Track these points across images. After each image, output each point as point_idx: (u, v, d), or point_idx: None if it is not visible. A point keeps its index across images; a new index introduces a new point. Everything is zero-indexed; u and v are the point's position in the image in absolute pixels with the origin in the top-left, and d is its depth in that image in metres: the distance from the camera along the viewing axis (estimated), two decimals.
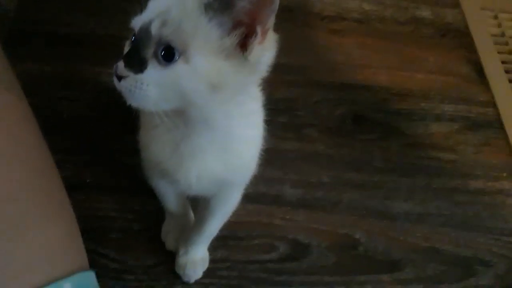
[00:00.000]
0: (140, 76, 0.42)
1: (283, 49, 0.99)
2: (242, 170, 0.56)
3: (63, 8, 0.95)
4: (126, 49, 0.45)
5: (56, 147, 0.57)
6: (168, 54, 0.42)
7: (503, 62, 1.02)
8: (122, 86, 0.43)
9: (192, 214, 0.71)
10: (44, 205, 0.50)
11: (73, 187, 0.58)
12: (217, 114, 0.47)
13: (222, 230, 0.66)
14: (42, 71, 0.87)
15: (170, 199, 0.66)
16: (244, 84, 0.47)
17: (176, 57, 0.42)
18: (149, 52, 0.42)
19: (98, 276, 0.55)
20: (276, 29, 1.08)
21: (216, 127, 0.49)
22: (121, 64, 0.43)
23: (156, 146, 0.53)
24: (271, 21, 0.44)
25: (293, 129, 0.85)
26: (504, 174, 0.86)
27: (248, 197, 0.76)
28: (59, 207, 0.52)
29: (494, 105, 0.95)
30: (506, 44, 1.05)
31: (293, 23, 0.99)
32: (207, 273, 0.69)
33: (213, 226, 0.65)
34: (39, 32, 0.91)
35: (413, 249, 0.76)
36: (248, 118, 0.52)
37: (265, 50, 0.44)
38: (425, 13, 1.06)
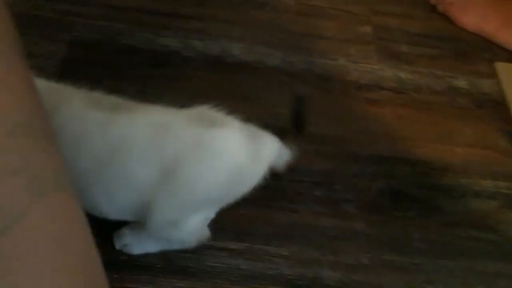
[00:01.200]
0: None
1: (319, 119, 0.98)
2: None
3: None
4: None
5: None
6: None
7: None
8: None
9: None
10: None
11: (106, 265, 0.55)
12: None
13: None
14: None
15: None
16: None
17: None
18: None
19: None
20: (313, 99, 1.06)
21: None
22: None
23: None
24: None
25: (330, 204, 0.82)
26: None
27: (285, 280, 0.73)
28: None
29: None
30: None
31: (329, 92, 0.97)
32: None
33: None
34: None
35: None
36: None
37: None
38: (461, 82, 1.05)
